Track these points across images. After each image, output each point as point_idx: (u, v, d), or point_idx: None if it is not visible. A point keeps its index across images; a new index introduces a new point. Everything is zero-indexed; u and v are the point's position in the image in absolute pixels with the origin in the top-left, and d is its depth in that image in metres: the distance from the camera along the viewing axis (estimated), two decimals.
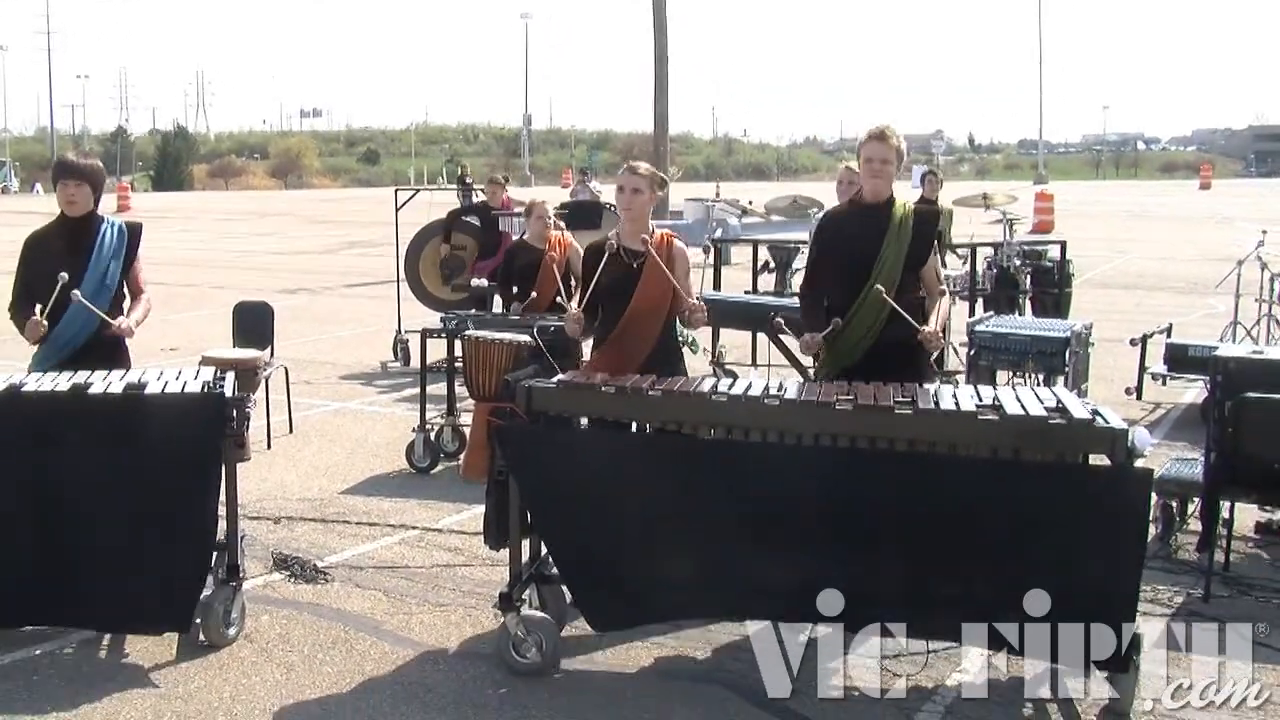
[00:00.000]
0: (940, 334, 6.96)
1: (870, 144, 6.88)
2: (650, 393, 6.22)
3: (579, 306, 6.94)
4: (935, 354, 7.62)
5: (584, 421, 6.49)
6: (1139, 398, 12.40)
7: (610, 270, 7.07)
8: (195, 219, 52.61)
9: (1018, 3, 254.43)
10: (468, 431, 10.08)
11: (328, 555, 8.16)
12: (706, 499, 6.10)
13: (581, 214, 18.05)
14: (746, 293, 14.34)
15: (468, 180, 17.17)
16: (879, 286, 6.69)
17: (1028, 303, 14.83)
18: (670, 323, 7.20)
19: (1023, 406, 5.84)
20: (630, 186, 7.13)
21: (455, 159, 65.05)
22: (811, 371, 8.24)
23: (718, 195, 31.92)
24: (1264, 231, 14.91)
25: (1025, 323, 11.62)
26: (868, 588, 5.92)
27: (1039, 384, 10.09)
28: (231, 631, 6.70)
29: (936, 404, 5.92)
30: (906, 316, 6.70)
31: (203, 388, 6.59)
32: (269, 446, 11.09)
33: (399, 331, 15.66)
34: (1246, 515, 8.21)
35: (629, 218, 7.18)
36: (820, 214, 8.38)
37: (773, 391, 6.13)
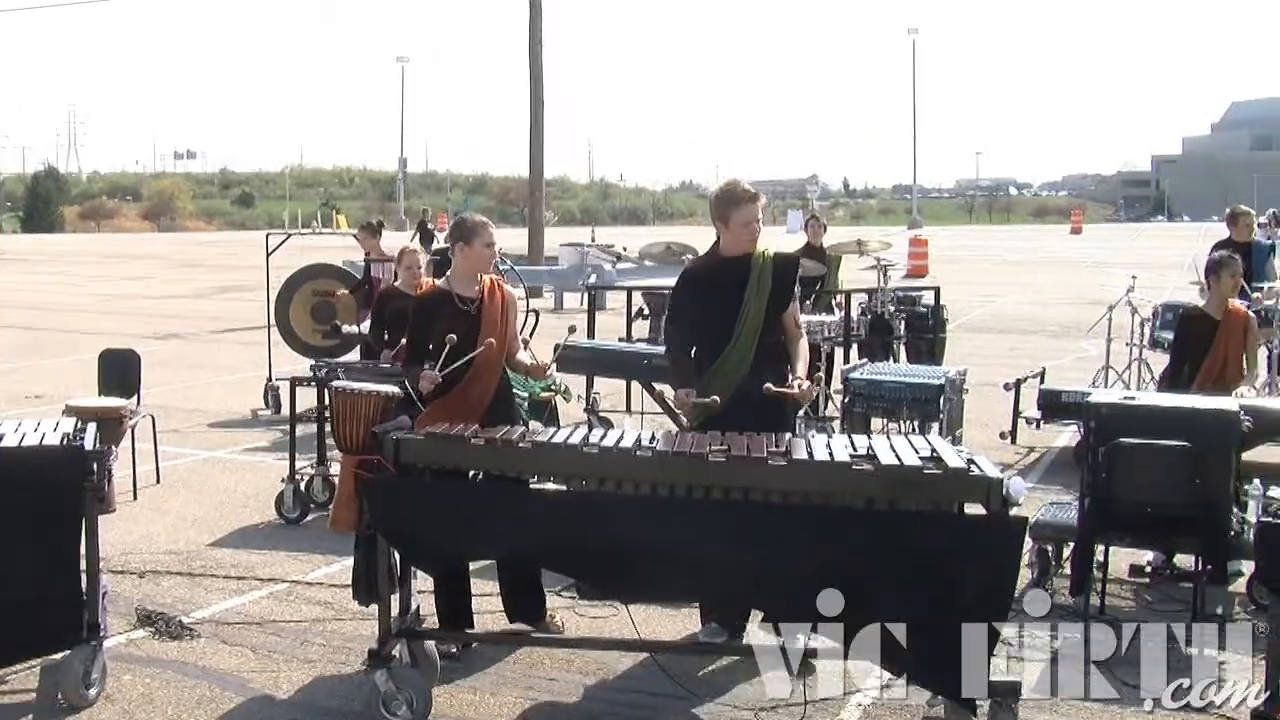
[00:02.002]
0: (812, 385, 6.98)
1: (748, 206, 6.91)
2: (521, 445, 6.11)
3: (439, 370, 6.85)
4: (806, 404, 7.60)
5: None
6: (1013, 442, 12.49)
7: (446, 315, 7.03)
8: (65, 261, 51.66)
9: (892, 49, 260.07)
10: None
11: (194, 610, 7.94)
12: (579, 552, 6.01)
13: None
14: (621, 340, 14.26)
15: (429, 226, 17.09)
16: (768, 385, 6.68)
17: (902, 348, 14.91)
18: (504, 370, 7.24)
19: (897, 456, 5.82)
20: (494, 243, 7.30)
21: (330, 202, 64.60)
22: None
23: (593, 240, 31.92)
24: (1134, 276, 15.11)
25: (900, 370, 11.69)
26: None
27: (914, 431, 10.11)
28: (91, 692, 6.46)
29: (810, 455, 5.87)
30: (783, 391, 6.74)
31: (62, 439, 6.44)
32: (135, 497, 10.83)
33: (269, 378, 15.38)
34: (1120, 558, 8.24)
35: (472, 269, 7.20)
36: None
37: (645, 443, 6.04)
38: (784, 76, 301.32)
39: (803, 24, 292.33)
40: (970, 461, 5.77)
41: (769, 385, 6.66)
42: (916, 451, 5.91)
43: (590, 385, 13.53)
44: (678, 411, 6.96)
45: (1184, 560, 8.18)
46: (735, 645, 6.85)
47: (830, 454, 5.89)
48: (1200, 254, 15.66)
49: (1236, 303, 9.90)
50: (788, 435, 6.18)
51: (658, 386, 11.34)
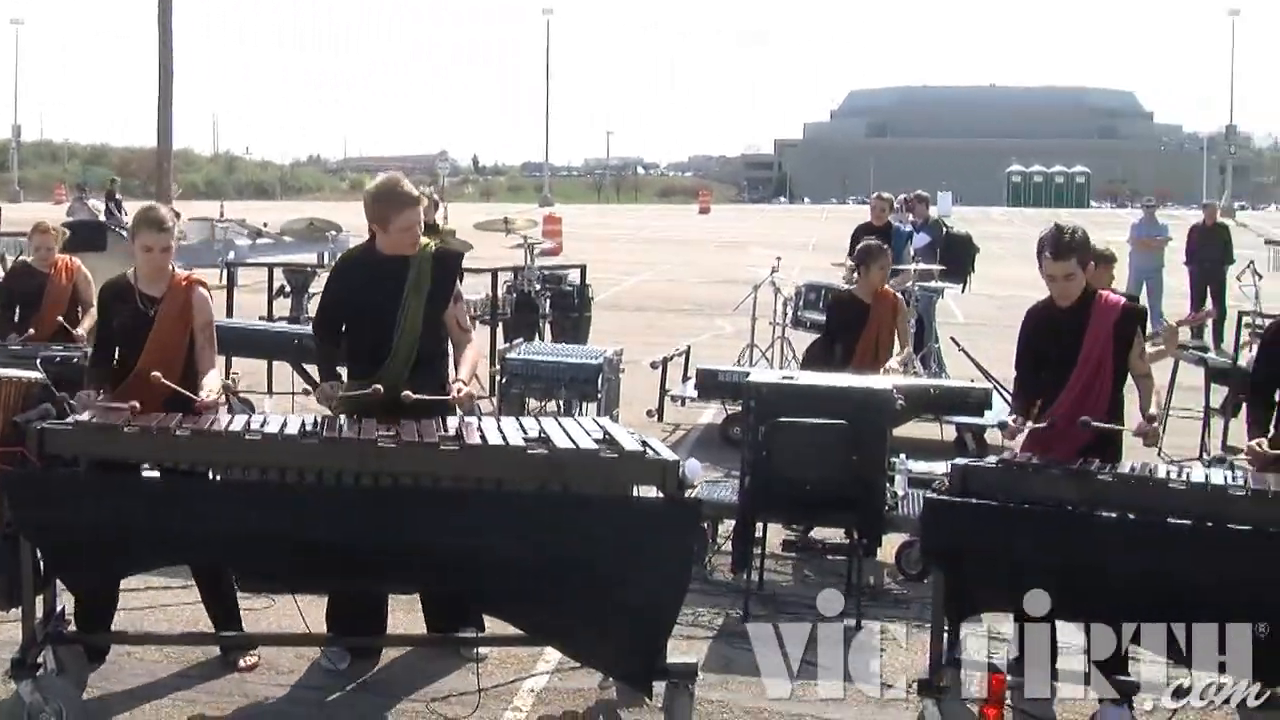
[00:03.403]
0: (473, 387, 6.73)
1: (410, 210, 6.50)
2: (178, 432, 5.77)
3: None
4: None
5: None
6: (660, 420, 12.64)
7: (124, 313, 6.59)
8: None
9: (524, 26, 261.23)
10: None
11: None
12: (248, 543, 5.74)
13: (84, 235, 16.96)
14: (261, 318, 13.82)
15: (118, 196, 16.00)
16: (406, 393, 6.27)
17: (548, 327, 14.90)
18: (191, 373, 6.61)
19: (571, 440, 5.76)
20: (159, 246, 6.60)
21: None
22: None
23: (222, 215, 30.96)
24: (779, 258, 15.47)
25: (557, 350, 11.67)
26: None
27: (581, 412, 10.11)
28: None
29: (484, 439, 5.76)
30: (434, 399, 6.36)
31: None
32: None
33: None
34: (774, 534, 8.40)
35: (152, 269, 6.66)
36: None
37: (310, 429, 5.80)
38: (415, 51, 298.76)
39: (438, 2, 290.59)
40: (644, 444, 5.78)
41: (408, 393, 6.25)
42: (589, 434, 5.87)
43: (229, 366, 12.99)
44: (321, 403, 6.57)
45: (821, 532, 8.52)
46: (416, 636, 6.70)
47: (504, 438, 5.79)
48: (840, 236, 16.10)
49: (886, 287, 10.24)
50: (460, 421, 6.05)
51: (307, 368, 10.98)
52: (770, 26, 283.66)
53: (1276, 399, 6.53)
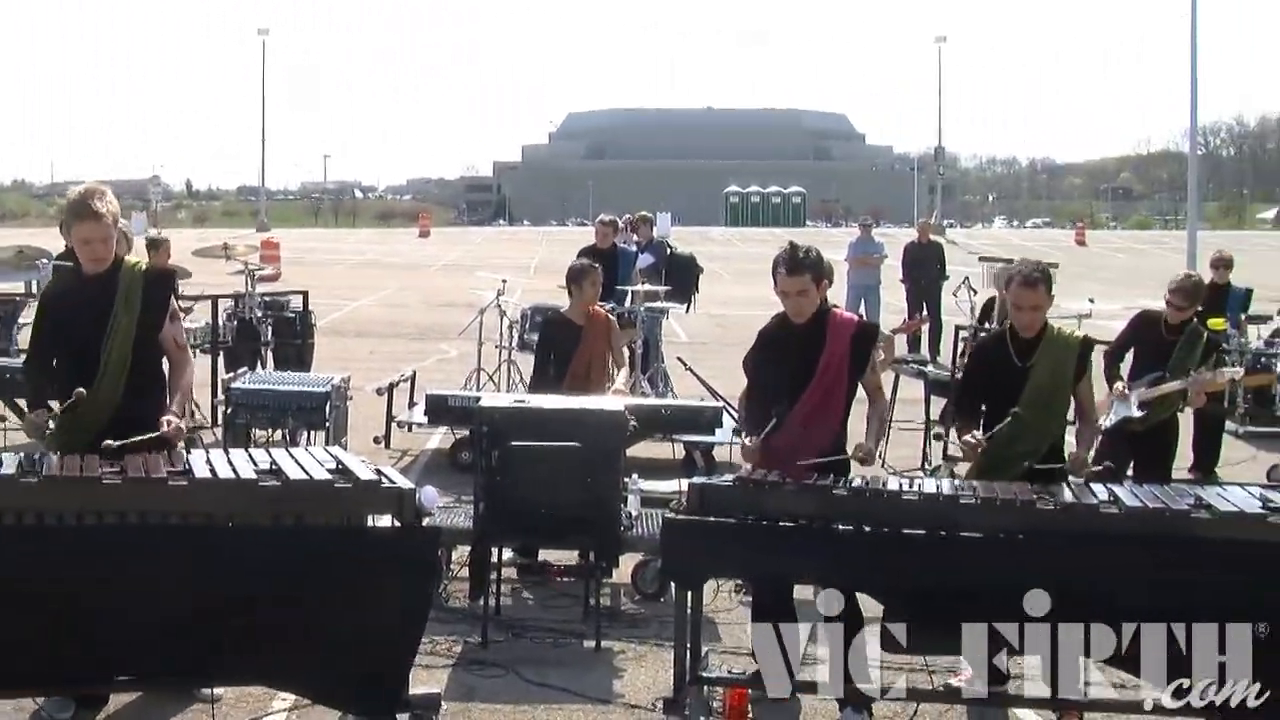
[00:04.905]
0: (184, 421, 6.48)
1: (88, 224, 6.16)
2: None
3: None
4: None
5: None
6: (387, 446, 12.49)
7: None
8: None
9: (240, 47, 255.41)
10: None
11: None
12: None
13: None
14: None
15: None
16: (109, 442, 5.90)
17: (270, 355, 14.58)
18: None
19: (304, 470, 5.62)
20: None
21: None
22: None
23: None
24: (504, 280, 15.44)
25: (283, 378, 11.43)
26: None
27: (309, 441, 9.92)
28: None
29: (214, 473, 5.57)
30: (142, 439, 6.06)
31: None
32: None
33: None
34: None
35: None
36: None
37: (27, 467, 5.53)
38: (128, 73, 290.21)
39: (149, 22, 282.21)
40: (379, 473, 5.68)
41: (109, 442, 5.82)
42: (322, 464, 5.74)
43: None
44: (31, 436, 6.24)
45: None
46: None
47: (234, 471, 5.61)
48: (562, 258, 16.07)
49: (597, 307, 10.24)
50: (185, 454, 5.86)
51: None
52: (487, 49, 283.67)
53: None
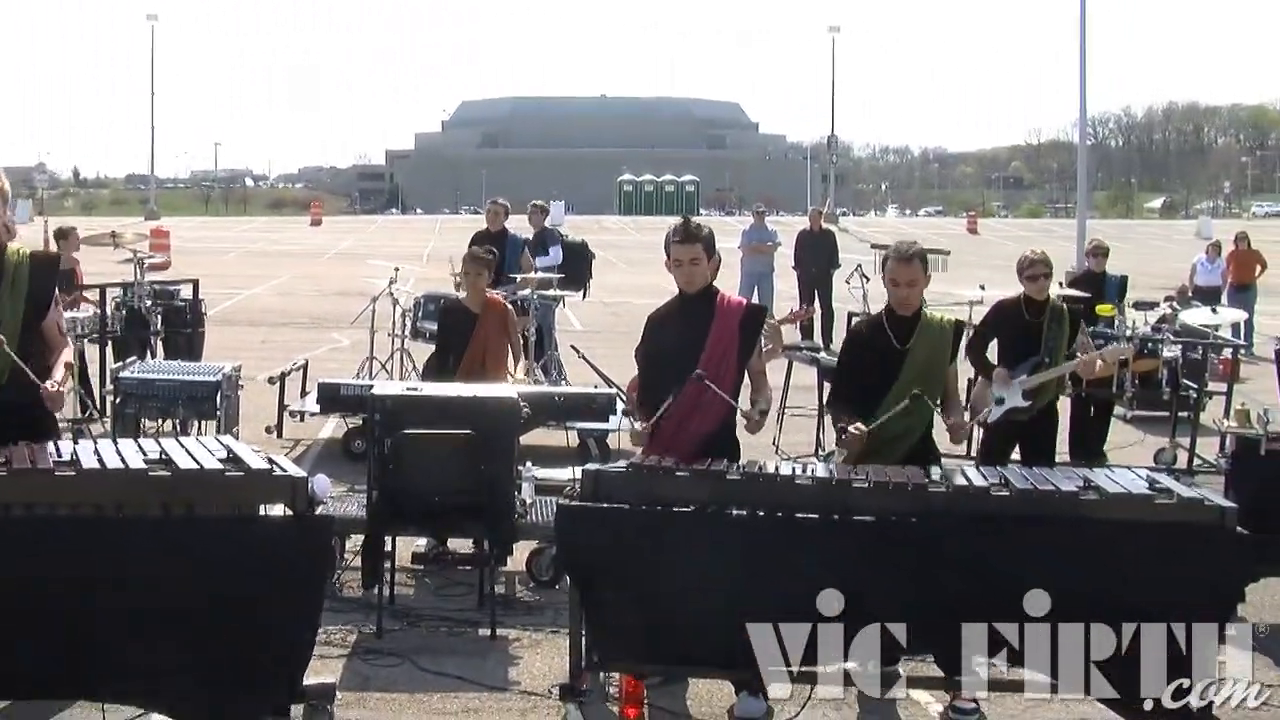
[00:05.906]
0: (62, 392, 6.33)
1: None
2: None
3: None
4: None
5: None
6: (280, 436, 12.39)
7: None
8: None
9: (128, 32, 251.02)
10: None
11: None
12: None
13: None
14: None
15: None
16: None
17: (160, 344, 14.40)
18: None
19: (195, 460, 5.56)
20: None
21: None
22: None
23: None
24: (396, 268, 15.35)
25: (173, 367, 11.32)
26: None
27: (200, 431, 9.81)
28: None
29: (102, 463, 5.49)
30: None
31: None
32: None
33: None
34: (403, 546, 8.33)
35: None
36: None
37: None
38: (13, 58, 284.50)
39: (35, 5, 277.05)
40: (271, 461, 5.62)
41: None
42: (213, 454, 5.68)
43: None
44: None
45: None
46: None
47: (123, 461, 5.53)
48: (455, 246, 15.99)
49: (493, 294, 10.21)
50: (73, 445, 5.77)
51: None
52: (381, 36, 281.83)
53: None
